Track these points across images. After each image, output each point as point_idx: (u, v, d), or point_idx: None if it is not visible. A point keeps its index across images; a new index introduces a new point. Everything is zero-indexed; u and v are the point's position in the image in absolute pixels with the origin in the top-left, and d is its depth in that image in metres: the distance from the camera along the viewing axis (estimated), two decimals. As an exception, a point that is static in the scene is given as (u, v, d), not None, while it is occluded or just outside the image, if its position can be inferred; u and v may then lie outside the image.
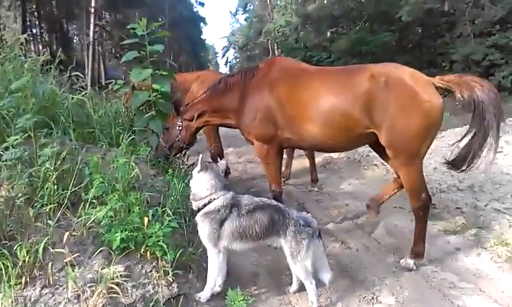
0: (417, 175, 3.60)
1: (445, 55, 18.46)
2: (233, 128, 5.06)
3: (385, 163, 6.49)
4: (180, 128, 4.49)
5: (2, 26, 24.32)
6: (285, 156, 5.75)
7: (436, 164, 5.63)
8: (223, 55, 60.90)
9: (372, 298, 3.23)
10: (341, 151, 6.61)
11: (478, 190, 5.18)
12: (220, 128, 6.62)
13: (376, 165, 6.76)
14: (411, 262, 3.64)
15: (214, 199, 2.93)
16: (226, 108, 4.34)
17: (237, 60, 56.13)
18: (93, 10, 24.91)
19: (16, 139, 2.85)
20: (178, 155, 4.80)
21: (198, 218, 2.96)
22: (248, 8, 47.97)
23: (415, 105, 3.37)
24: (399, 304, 3.14)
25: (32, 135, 3.00)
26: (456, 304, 3.14)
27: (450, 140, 5.41)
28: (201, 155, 3.01)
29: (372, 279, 3.50)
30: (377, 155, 6.78)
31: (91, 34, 24.54)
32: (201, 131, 6.82)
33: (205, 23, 58.86)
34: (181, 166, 4.68)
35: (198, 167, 2.97)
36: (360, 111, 3.51)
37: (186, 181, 3.51)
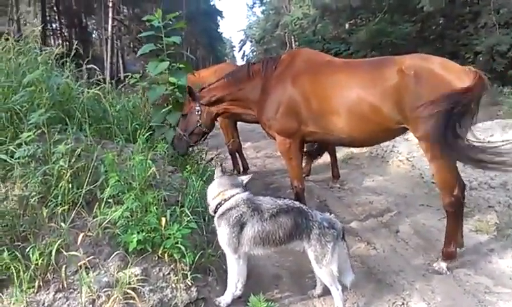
0: (451, 169, 3.40)
1: (468, 47, 17.88)
2: (249, 123, 4.97)
3: (410, 158, 6.33)
4: (200, 112, 4.39)
5: (22, 21, 24.63)
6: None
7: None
8: (240, 49, 60.77)
9: (402, 303, 3.06)
10: (368, 146, 6.38)
11: (511, 187, 4.91)
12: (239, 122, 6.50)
13: (400, 160, 6.50)
14: (444, 265, 3.44)
15: (226, 199, 2.82)
16: (246, 98, 4.22)
17: (254, 53, 55.84)
18: (111, 4, 25.06)
19: (29, 136, 2.75)
20: (198, 143, 4.73)
21: (216, 222, 2.85)
22: (264, 1, 47.63)
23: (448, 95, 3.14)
24: (432, 311, 2.95)
25: (45, 131, 2.90)
26: (492, 310, 2.94)
27: (480, 134, 5.13)
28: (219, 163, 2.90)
29: (401, 282, 3.32)
30: (402, 150, 6.65)
31: (109, 28, 24.68)
32: (217, 126, 6.75)
33: (222, 17, 58.69)
34: (199, 162, 4.55)
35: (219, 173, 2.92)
36: (390, 107, 3.35)
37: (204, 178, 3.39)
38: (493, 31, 16.69)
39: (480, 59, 16.64)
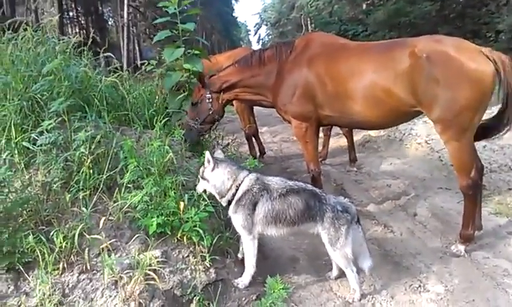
0: (467, 151, 3.36)
1: (489, 25, 17.35)
2: (263, 107, 4.92)
3: (429, 141, 6.24)
4: (211, 100, 4.34)
5: (40, 11, 24.89)
6: (321, 134, 5.56)
7: (486, 141, 5.26)
8: (255, 33, 60.25)
9: (420, 286, 3.06)
10: (384, 129, 6.30)
11: (532, 169, 4.82)
12: (255, 107, 6.49)
13: (419, 143, 6.43)
14: (462, 248, 3.43)
15: (240, 184, 2.85)
16: (259, 84, 4.19)
17: (270, 37, 55.31)
18: (126, -9, 25.04)
19: (50, 123, 2.81)
20: (210, 131, 4.68)
21: (231, 210, 2.88)
22: (280, -17, 46.98)
23: (462, 75, 3.13)
24: (449, 293, 2.95)
25: (66, 119, 2.96)
26: (510, 293, 2.94)
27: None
28: (207, 152, 2.91)
29: (419, 265, 3.32)
30: (420, 133, 6.56)
31: (125, 15, 24.68)
32: (234, 111, 6.75)
33: (237, 1, 58.19)
34: (216, 147, 4.58)
35: (211, 166, 2.87)
36: (403, 90, 3.33)
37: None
38: (516, 9, 16.15)
39: (502, 37, 16.14)
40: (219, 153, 3.10)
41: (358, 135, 7.23)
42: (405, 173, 5.57)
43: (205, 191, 2.98)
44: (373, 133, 7.31)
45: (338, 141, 7.38)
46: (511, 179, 4.74)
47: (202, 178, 2.94)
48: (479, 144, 5.43)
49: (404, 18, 18.42)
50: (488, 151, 5.33)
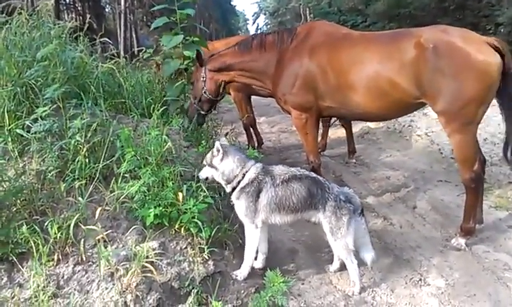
0: (471, 144, 3.32)
1: (489, 18, 17.27)
2: (261, 96, 4.88)
3: (429, 133, 6.20)
4: (205, 79, 4.29)
5: (36, -4, 24.57)
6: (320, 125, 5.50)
7: (487, 134, 5.24)
8: (254, 22, 59.79)
9: (420, 279, 3.03)
10: (385, 121, 6.25)
11: (533, 163, 4.77)
12: (253, 97, 6.42)
13: (419, 135, 6.38)
14: (462, 241, 3.40)
15: (247, 172, 2.83)
16: (258, 69, 4.12)
17: (268, 26, 54.94)
18: (123, -23, 24.74)
19: (44, 110, 2.75)
20: (208, 112, 4.62)
21: (234, 195, 2.84)
22: (279, -28, 46.59)
23: (468, 67, 3.08)
24: (450, 287, 2.93)
25: (61, 106, 2.90)
26: (511, 287, 2.90)
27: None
28: (217, 142, 2.85)
29: (419, 259, 3.29)
30: (420, 125, 6.51)
31: (122, 2, 24.45)
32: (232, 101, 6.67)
33: (235, -11, 57.68)
34: (214, 137, 4.52)
35: (220, 155, 2.82)
36: (408, 81, 3.27)
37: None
38: (516, 1, 16.06)
39: (502, 30, 16.07)
40: (224, 141, 3.06)
41: (357, 127, 7.16)
42: (404, 165, 5.53)
43: (207, 178, 2.94)
44: (372, 124, 7.25)
45: (336, 132, 7.32)
46: (511, 172, 4.70)
47: (210, 165, 2.89)
48: (480, 138, 5.42)
49: (403, 10, 18.32)
50: (489, 144, 5.29)
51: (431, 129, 6.26)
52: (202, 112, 4.47)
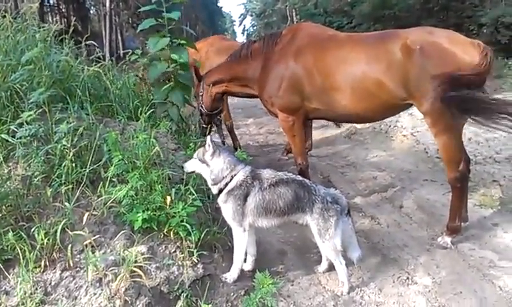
0: (456, 144, 3.38)
1: (472, 19, 17.54)
2: (251, 98, 4.97)
3: (415, 133, 6.27)
4: (202, 94, 4.52)
5: (19, -2, 24.18)
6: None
7: (471, 133, 5.32)
8: (240, 23, 59.83)
9: (407, 278, 3.06)
10: (371, 122, 6.32)
11: (516, 161, 4.88)
12: (240, 98, 6.43)
13: (404, 135, 6.45)
14: (448, 240, 3.45)
15: (235, 175, 2.83)
16: (245, 77, 4.22)
17: (254, 28, 55.03)
18: (108, -21, 24.51)
19: (30, 115, 2.71)
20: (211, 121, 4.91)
21: (221, 198, 2.84)
22: (265, -27, 46.64)
23: (455, 68, 3.08)
24: (437, 285, 2.97)
25: (46, 110, 2.87)
26: (496, 284, 2.96)
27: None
28: (208, 137, 2.86)
29: (406, 257, 3.33)
30: (406, 125, 6.58)
31: (107, 4, 24.22)
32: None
33: (222, -10, 57.71)
34: (202, 140, 4.52)
35: (211, 150, 2.82)
36: (395, 82, 3.29)
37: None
38: (498, 2, 16.35)
39: (485, 31, 16.34)
40: (216, 138, 3.07)
41: (343, 128, 7.22)
42: (391, 165, 5.59)
43: (193, 172, 2.95)
44: (359, 125, 7.31)
45: (323, 133, 7.37)
46: (495, 171, 4.79)
47: (201, 160, 2.88)
48: (464, 137, 5.50)
49: (388, 11, 18.52)
50: (473, 143, 5.38)
51: (416, 129, 6.34)
52: (204, 125, 4.72)
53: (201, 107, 4.55)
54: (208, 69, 4.84)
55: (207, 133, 4.61)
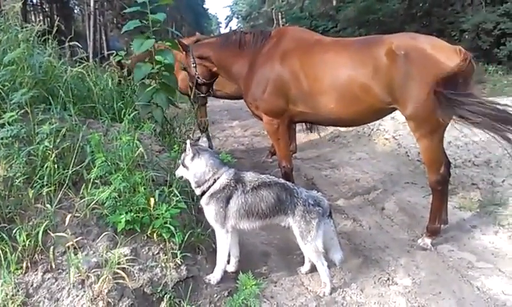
0: (438, 148, 3.46)
1: (454, 24, 17.89)
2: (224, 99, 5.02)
3: (397, 137, 6.37)
4: (195, 65, 4.43)
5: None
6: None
7: (451, 137, 5.42)
8: (226, 25, 59.69)
9: (388, 279, 3.12)
10: (357, 126, 6.39)
11: (495, 165, 5.00)
12: (225, 100, 6.44)
13: (387, 139, 6.56)
14: (428, 241, 3.52)
15: (218, 178, 2.84)
16: (232, 69, 4.22)
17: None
18: (92, -22, 24.24)
19: (12, 116, 2.69)
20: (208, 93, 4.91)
21: (204, 201, 2.86)
22: (251, -24, 46.72)
23: (438, 74, 3.12)
24: (416, 286, 3.03)
25: (29, 111, 2.84)
26: (474, 285, 3.04)
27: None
28: (188, 141, 2.89)
29: (387, 259, 3.39)
30: (388, 128, 6.69)
31: (91, 3, 23.94)
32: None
33: (208, -8, 57.53)
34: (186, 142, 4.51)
35: (190, 154, 2.84)
36: (380, 87, 3.34)
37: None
38: (480, 9, 16.70)
39: (466, 36, 16.67)
40: (204, 142, 3.07)
41: (327, 130, 7.28)
42: (373, 168, 5.68)
43: (181, 177, 2.96)
44: (342, 128, 7.38)
45: (307, 135, 7.42)
46: (474, 174, 4.90)
47: (182, 164, 2.90)
48: (444, 141, 5.62)
49: (373, 16, 18.76)
50: (453, 147, 5.49)
51: (398, 132, 6.45)
52: (202, 95, 4.76)
53: (198, 78, 4.48)
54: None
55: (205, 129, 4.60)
